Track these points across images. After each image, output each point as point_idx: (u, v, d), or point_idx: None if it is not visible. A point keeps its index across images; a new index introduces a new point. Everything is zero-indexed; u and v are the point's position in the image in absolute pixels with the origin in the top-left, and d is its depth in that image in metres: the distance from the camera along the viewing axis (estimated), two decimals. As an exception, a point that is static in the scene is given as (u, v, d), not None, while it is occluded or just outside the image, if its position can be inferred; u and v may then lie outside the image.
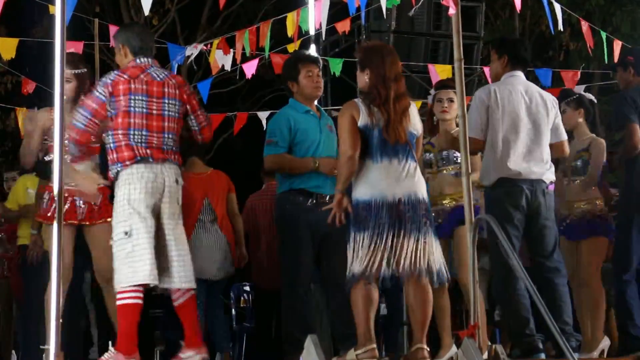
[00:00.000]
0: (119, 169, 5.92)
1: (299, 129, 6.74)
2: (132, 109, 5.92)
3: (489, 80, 10.37)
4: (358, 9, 8.22)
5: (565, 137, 6.62)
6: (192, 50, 9.66)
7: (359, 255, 5.74)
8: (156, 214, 5.87)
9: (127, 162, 5.87)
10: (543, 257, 6.39)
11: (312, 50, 9.68)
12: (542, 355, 6.13)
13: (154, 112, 5.96)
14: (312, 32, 9.50)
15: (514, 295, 6.17)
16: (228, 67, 9.57)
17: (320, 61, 7.08)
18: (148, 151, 5.88)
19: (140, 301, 5.75)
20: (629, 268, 6.76)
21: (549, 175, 6.45)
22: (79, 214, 6.53)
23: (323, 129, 6.84)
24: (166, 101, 6.00)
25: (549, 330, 5.13)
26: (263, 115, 10.45)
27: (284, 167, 6.77)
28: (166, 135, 5.98)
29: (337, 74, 10.40)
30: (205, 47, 9.82)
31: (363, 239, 5.74)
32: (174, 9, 17.92)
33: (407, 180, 5.85)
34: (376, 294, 5.85)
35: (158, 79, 6.03)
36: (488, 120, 6.36)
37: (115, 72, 6.05)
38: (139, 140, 5.89)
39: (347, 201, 5.81)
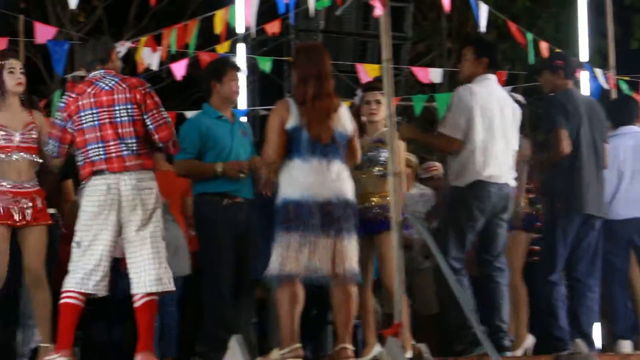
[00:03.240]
0: (82, 185, 6.02)
1: (210, 135, 6.80)
2: (84, 125, 5.96)
3: (418, 79, 10.55)
4: (287, 9, 8.22)
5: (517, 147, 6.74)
6: (120, 48, 9.57)
7: (286, 254, 5.73)
8: (118, 223, 5.90)
9: (86, 178, 5.96)
10: (492, 256, 6.49)
11: (241, 49, 9.63)
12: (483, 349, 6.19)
13: (106, 121, 5.95)
14: (241, 30, 9.48)
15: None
16: (155, 66, 9.50)
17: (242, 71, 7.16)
18: (104, 164, 5.91)
19: (80, 303, 5.87)
20: (555, 269, 6.85)
21: (513, 180, 6.54)
22: (16, 216, 6.46)
23: (235, 135, 6.89)
24: (117, 108, 5.97)
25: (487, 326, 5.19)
26: (191, 114, 10.38)
27: (192, 172, 6.89)
28: (125, 141, 5.95)
29: (267, 71, 10.39)
30: (132, 45, 9.74)
31: (290, 239, 5.74)
32: (101, 5, 17.73)
33: (336, 181, 5.86)
34: (302, 293, 5.85)
35: (106, 87, 6.00)
36: (468, 121, 6.39)
37: (67, 93, 6.14)
38: (97, 154, 5.93)
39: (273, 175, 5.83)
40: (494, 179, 6.39)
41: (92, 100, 5.96)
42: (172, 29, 9.40)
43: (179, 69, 9.62)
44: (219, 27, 9.39)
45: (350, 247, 5.84)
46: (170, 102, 17.82)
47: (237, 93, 7.03)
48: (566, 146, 6.80)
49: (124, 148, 5.93)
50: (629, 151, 7.54)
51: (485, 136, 6.40)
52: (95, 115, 5.95)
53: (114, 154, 5.91)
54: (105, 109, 5.95)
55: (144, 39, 9.56)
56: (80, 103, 5.97)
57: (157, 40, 9.53)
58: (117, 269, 6.57)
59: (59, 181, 7.21)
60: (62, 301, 5.88)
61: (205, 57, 9.54)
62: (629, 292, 7.66)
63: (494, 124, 6.44)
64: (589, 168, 6.88)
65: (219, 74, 6.93)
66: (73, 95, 6.03)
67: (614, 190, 7.47)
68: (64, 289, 5.88)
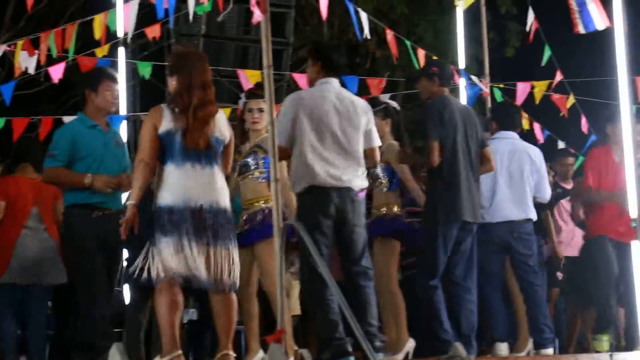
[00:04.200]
0: None
1: (82, 144, 6.74)
2: None
3: (299, 85, 10.57)
4: (167, 13, 8.17)
5: (376, 143, 6.64)
6: (-5, 51, 9.39)
7: (163, 260, 5.68)
8: None
9: None
10: (351, 262, 6.45)
11: (121, 53, 9.52)
12: (351, 359, 6.22)
13: None
14: (120, 34, 9.38)
15: (323, 299, 6.22)
16: (32, 69, 9.33)
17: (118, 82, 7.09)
18: None
19: None
20: (436, 274, 6.93)
21: (358, 182, 6.47)
22: None
23: (109, 144, 6.85)
24: None
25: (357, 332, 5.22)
26: (69, 119, 10.22)
27: (60, 181, 6.85)
28: None
29: (147, 77, 10.29)
30: (8, 48, 9.55)
31: (167, 244, 5.69)
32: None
33: (210, 187, 5.82)
34: (181, 299, 5.81)
35: None
36: (296, 128, 6.38)
37: None
38: None
39: (136, 218, 5.76)
40: (331, 183, 6.33)
41: None
42: (50, 32, 9.23)
43: (57, 72, 9.46)
44: (98, 32, 9.27)
45: (227, 254, 5.80)
46: (48, 107, 17.54)
47: (113, 103, 6.96)
48: (436, 157, 6.89)
49: None
50: (506, 156, 7.68)
51: (316, 140, 6.35)
52: None
53: None
54: None
55: (21, 42, 9.37)
56: None
57: (34, 44, 9.35)
58: None
59: None
60: None
61: (84, 61, 9.40)
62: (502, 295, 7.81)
63: (327, 127, 6.36)
64: (465, 175, 6.98)
65: (94, 83, 6.88)
66: None
67: (491, 194, 7.61)
68: None
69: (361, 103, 6.55)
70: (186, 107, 5.81)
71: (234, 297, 5.86)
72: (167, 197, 5.75)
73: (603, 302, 7.84)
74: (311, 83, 6.58)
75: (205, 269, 5.71)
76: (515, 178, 7.66)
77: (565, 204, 9.52)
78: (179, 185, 5.75)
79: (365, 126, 6.50)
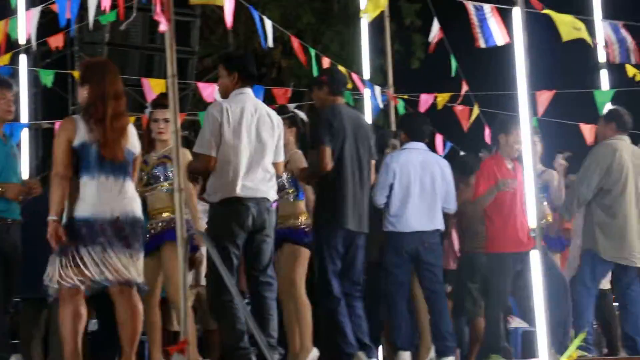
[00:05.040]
0: None
1: None
2: None
3: (203, 95, 10.54)
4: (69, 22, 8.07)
5: (282, 158, 6.73)
6: None
7: (70, 270, 5.63)
8: None
9: None
10: (258, 271, 6.48)
11: (23, 61, 9.38)
12: None
13: None
14: (22, 42, 9.24)
15: (231, 309, 6.22)
16: None
17: (14, 87, 6.96)
18: None
19: None
20: (330, 284, 6.94)
21: (272, 193, 6.55)
22: None
23: (8, 155, 6.76)
24: None
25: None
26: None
27: None
28: None
29: (49, 85, 10.14)
30: None
31: (77, 255, 5.65)
32: None
33: (125, 198, 5.82)
34: (85, 310, 5.77)
35: None
36: (220, 138, 6.38)
37: None
38: None
39: (62, 230, 5.69)
40: (249, 194, 6.41)
41: None
42: (-51, 39, 9.04)
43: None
44: (-1, 39, 9.11)
45: (138, 264, 5.80)
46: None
47: (9, 112, 6.84)
48: (328, 162, 6.94)
49: None
50: (418, 166, 7.75)
51: (237, 151, 6.40)
52: None
53: None
54: None
55: None
56: None
57: None
58: None
59: None
60: None
61: (-15, 68, 9.23)
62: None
63: (246, 138, 6.43)
64: (352, 184, 7.02)
65: None
66: None
67: (402, 204, 7.67)
68: None
69: (275, 116, 6.64)
70: (101, 117, 5.79)
71: (140, 306, 5.83)
72: (85, 209, 5.72)
73: (493, 325, 7.93)
74: (225, 93, 6.60)
75: (114, 279, 5.70)
76: (426, 189, 7.73)
77: None
78: (97, 197, 5.75)
79: (277, 139, 6.59)
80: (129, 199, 5.84)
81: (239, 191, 6.33)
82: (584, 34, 8.23)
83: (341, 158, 6.98)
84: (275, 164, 6.60)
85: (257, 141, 6.46)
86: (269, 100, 10.30)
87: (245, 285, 6.86)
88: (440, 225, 7.78)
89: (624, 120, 8.15)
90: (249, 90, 6.59)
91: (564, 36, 8.29)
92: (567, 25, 8.13)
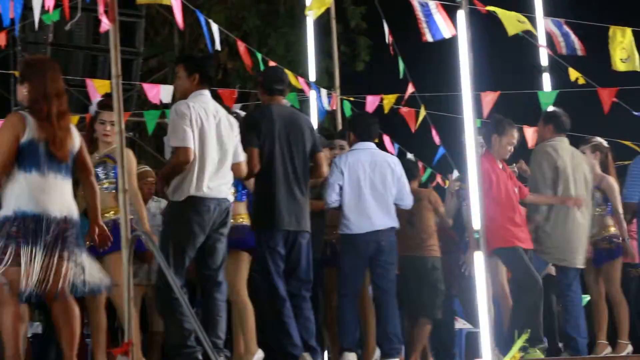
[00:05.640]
0: None
1: None
2: None
3: (149, 96, 10.49)
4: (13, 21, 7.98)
5: (242, 158, 6.74)
6: None
7: (9, 270, 5.56)
8: None
9: None
10: (212, 270, 6.49)
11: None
12: None
13: None
14: (-37, 41, 9.14)
15: (178, 308, 6.19)
16: None
17: None
18: None
19: None
20: (273, 285, 6.91)
21: (231, 194, 6.60)
22: None
23: None
24: None
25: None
26: None
27: None
28: None
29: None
30: None
31: (15, 254, 5.56)
32: None
33: (68, 198, 5.79)
34: (26, 311, 5.71)
35: None
36: (192, 133, 6.36)
37: None
38: None
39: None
40: (212, 194, 6.42)
41: None
42: None
43: None
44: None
45: (80, 263, 5.75)
46: None
47: None
48: (255, 165, 6.93)
49: None
50: (367, 166, 7.75)
51: (202, 150, 6.41)
52: None
53: None
54: None
55: None
56: None
57: None
58: None
59: None
60: None
61: None
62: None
63: (210, 138, 6.45)
64: (286, 183, 7.01)
65: None
66: None
67: (354, 206, 7.67)
68: None
69: (232, 118, 6.66)
70: (45, 116, 5.72)
71: (76, 309, 5.77)
72: (24, 205, 5.64)
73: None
74: (184, 94, 6.59)
75: (53, 280, 5.63)
76: (377, 188, 7.72)
77: None
78: (39, 195, 5.68)
79: (235, 140, 6.61)
80: (71, 200, 5.81)
81: (204, 191, 6.34)
82: (529, 26, 8.29)
83: (271, 159, 6.97)
84: (235, 164, 6.62)
85: (219, 142, 6.49)
86: (215, 101, 10.27)
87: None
88: (395, 222, 7.77)
89: (562, 122, 8.23)
90: (207, 92, 6.62)
91: (510, 30, 8.36)
92: (512, 19, 8.19)
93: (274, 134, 7.00)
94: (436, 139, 11.56)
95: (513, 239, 7.69)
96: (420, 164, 10.84)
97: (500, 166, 7.93)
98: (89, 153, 6.88)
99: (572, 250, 8.01)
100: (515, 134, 8.00)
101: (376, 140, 8.20)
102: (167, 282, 6.04)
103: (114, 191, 6.82)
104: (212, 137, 6.47)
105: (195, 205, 6.36)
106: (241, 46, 10.23)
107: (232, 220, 7.39)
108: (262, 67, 10.33)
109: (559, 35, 9.50)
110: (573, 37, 9.50)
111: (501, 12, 8.17)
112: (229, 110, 7.98)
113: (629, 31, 9.07)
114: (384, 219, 7.70)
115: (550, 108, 8.77)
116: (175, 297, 6.09)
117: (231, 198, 6.64)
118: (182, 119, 6.37)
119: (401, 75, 10.67)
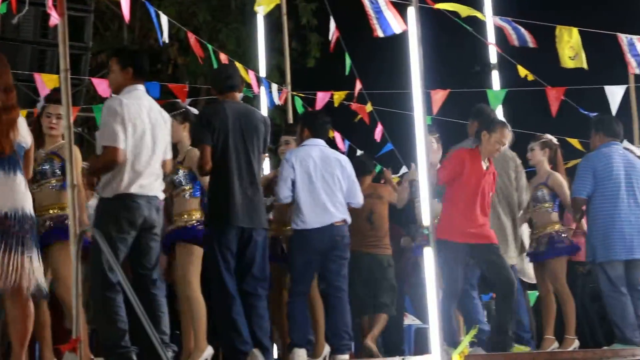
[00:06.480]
0: None
1: None
2: None
3: (98, 90, 10.42)
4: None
5: (171, 156, 6.69)
6: None
7: None
8: None
9: None
10: (147, 269, 6.42)
11: None
12: None
13: None
14: None
15: (113, 307, 6.15)
16: None
17: None
18: None
19: None
20: (222, 282, 6.90)
21: (161, 192, 6.51)
22: None
23: None
24: None
25: (147, 341, 5.19)
26: None
27: None
28: None
29: None
30: None
31: None
32: None
33: (14, 193, 5.74)
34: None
35: None
36: (125, 132, 6.26)
37: None
38: None
39: None
40: (143, 192, 6.34)
41: None
42: None
43: None
44: None
45: (30, 261, 5.71)
46: None
47: None
48: (208, 162, 6.89)
49: None
50: (318, 161, 7.73)
51: (134, 147, 6.34)
52: None
53: None
54: None
55: None
56: None
57: None
58: None
59: None
60: None
61: None
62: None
63: (144, 134, 6.37)
64: (240, 180, 6.98)
65: None
66: None
67: (310, 200, 7.65)
68: None
69: (165, 113, 6.59)
70: None
71: (31, 305, 5.74)
72: None
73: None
74: (118, 89, 6.50)
75: (4, 278, 5.58)
76: (329, 182, 7.70)
77: None
78: None
79: (167, 136, 6.57)
80: (20, 196, 5.74)
81: (134, 188, 6.27)
82: (477, 13, 8.38)
83: (225, 155, 6.93)
84: (164, 162, 6.56)
85: (153, 139, 6.41)
86: (166, 96, 10.23)
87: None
88: (348, 216, 7.75)
89: (491, 119, 8.29)
90: (142, 87, 6.51)
91: (462, 13, 8.41)
92: (462, 8, 8.28)
93: (228, 130, 6.97)
94: (378, 135, 11.61)
95: (456, 234, 7.74)
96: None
97: (485, 165, 7.91)
98: (36, 148, 6.86)
99: (506, 249, 8.18)
100: (507, 134, 7.96)
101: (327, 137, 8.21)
102: (102, 278, 6.02)
103: (60, 189, 6.81)
104: (146, 134, 6.36)
105: (124, 202, 6.26)
106: (192, 38, 10.20)
107: (185, 216, 7.42)
108: (213, 59, 10.30)
109: (510, 29, 9.61)
110: (523, 30, 9.61)
111: (451, 5, 8.25)
112: (175, 105, 7.96)
113: (575, 31, 9.19)
114: (337, 213, 7.69)
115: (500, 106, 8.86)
116: (109, 296, 6.07)
117: (162, 196, 6.55)
118: (113, 117, 6.24)
119: (347, 72, 10.70)
